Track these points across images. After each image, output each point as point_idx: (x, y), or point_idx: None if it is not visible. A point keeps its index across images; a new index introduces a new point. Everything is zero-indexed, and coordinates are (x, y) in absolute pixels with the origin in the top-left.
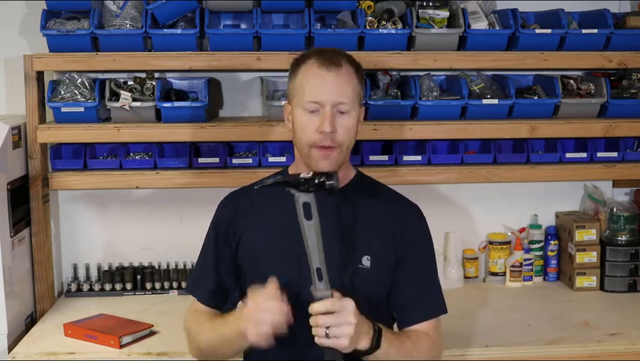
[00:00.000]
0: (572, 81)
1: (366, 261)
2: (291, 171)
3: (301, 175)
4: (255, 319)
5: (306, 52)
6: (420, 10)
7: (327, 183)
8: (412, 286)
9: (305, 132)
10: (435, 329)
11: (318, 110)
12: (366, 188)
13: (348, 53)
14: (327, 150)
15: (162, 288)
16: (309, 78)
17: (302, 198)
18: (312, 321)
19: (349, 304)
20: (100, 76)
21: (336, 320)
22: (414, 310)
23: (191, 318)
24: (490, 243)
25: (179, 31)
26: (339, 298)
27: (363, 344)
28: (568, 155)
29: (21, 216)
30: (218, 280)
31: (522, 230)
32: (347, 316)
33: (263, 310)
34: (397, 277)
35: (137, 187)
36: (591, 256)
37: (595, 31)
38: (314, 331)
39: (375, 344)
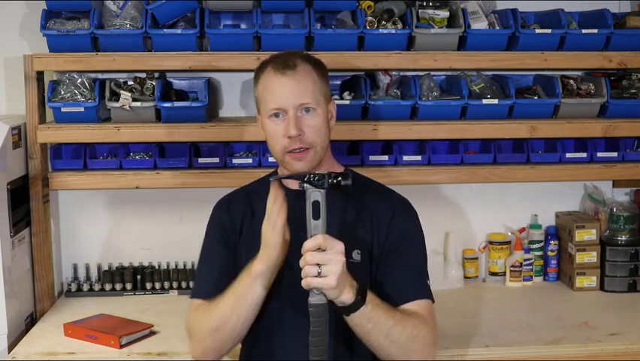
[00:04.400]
0: (572, 81)
1: (356, 255)
2: (280, 172)
3: (316, 172)
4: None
5: (264, 60)
6: (420, 10)
7: (343, 182)
8: (401, 275)
9: (275, 139)
10: (428, 312)
11: (283, 115)
12: (355, 184)
13: (305, 52)
14: (300, 153)
15: (162, 288)
16: (268, 86)
17: (313, 195)
18: (301, 261)
19: (339, 243)
20: (100, 76)
21: (326, 255)
22: (405, 291)
23: (197, 311)
24: (490, 243)
25: (179, 31)
26: (330, 237)
27: (347, 295)
28: (568, 155)
29: (21, 216)
30: (226, 279)
31: (522, 230)
32: (336, 253)
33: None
34: (385, 270)
35: (137, 187)
36: (591, 256)
37: (595, 31)
38: (304, 272)
39: (360, 298)
